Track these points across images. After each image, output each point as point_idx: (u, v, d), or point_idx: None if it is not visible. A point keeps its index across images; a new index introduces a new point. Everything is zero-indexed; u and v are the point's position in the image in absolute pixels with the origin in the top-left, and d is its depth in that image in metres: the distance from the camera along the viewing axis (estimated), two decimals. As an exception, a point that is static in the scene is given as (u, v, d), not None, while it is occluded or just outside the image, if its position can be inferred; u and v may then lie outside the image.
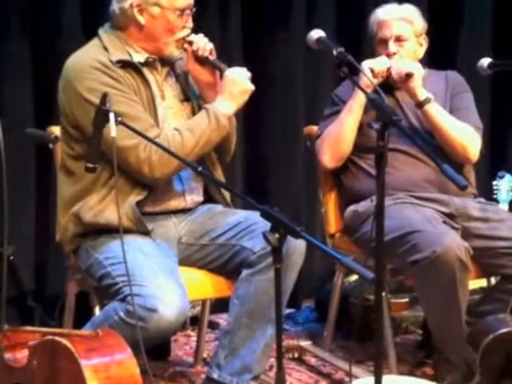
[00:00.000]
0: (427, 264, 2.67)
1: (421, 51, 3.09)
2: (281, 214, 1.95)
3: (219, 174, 2.72)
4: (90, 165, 2.20)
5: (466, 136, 2.98)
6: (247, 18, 3.74)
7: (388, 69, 2.96)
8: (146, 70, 2.57)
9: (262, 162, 3.86)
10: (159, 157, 2.44)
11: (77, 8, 3.38)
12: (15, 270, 3.27)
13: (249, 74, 2.57)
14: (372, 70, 2.92)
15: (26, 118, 3.33)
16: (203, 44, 2.57)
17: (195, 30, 2.61)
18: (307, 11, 3.82)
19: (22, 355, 2.07)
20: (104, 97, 2.12)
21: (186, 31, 2.58)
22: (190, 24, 2.58)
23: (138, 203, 2.50)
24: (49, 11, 3.37)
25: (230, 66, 2.60)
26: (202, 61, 2.59)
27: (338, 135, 3.00)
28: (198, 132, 2.50)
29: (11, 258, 3.15)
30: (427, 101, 2.95)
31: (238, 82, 2.54)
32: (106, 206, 2.48)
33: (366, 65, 2.92)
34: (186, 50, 2.60)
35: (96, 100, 2.22)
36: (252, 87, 2.56)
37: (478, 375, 2.50)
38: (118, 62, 2.50)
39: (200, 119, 2.53)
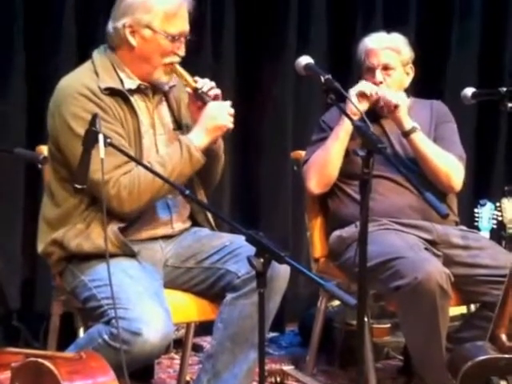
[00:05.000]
0: (409, 290, 2.69)
1: (407, 80, 3.13)
2: (265, 239, 1.97)
3: (202, 198, 2.69)
4: (78, 186, 2.19)
5: (450, 165, 3.01)
6: (241, 44, 3.78)
7: (376, 93, 2.99)
8: (136, 97, 2.56)
9: (250, 186, 3.88)
10: (128, 192, 2.43)
11: (72, 28, 3.40)
12: (1, 288, 3.26)
13: (231, 111, 2.53)
14: (363, 93, 2.94)
15: (17, 136, 3.33)
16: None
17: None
18: (299, 38, 3.86)
19: (5, 377, 2.06)
20: (94, 118, 2.12)
21: (176, 58, 2.55)
22: (182, 52, 2.56)
23: (124, 230, 2.49)
24: (43, 31, 3.39)
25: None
26: (203, 102, 2.55)
27: (325, 161, 3.02)
28: (169, 166, 2.47)
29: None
30: (413, 130, 2.98)
31: (215, 118, 2.51)
32: (89, 233, 2.47)
33: (354, 91, 2.95)
34: (177, 74, 2.59)
35: (77, 127, 2.23)
36: (229, 126, 2.53)
37: (456, 401, 2.52)
38: (107, 89, 2.49)
39: (172, 152, 2.50)
